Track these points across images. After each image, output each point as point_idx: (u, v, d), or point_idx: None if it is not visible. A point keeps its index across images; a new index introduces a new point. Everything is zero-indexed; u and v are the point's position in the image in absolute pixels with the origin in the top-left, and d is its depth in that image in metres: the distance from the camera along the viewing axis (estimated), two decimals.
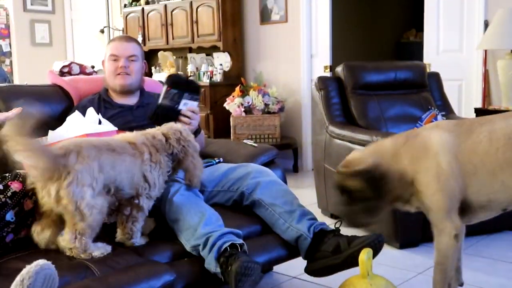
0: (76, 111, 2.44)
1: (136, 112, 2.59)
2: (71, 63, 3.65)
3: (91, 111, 2.40)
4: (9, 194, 1.85)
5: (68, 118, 2.37)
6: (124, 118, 2.53)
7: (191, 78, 5.50)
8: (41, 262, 1.55)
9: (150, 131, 2.10)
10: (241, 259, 1.91)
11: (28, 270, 1.52)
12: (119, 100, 2.63)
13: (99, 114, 2.42)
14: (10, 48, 7.81)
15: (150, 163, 1.99)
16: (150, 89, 2.81)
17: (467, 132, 1.95)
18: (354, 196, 2.00)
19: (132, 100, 2.65)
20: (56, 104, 2.72)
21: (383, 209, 2.05)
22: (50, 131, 2.28)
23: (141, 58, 2.69)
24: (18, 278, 1.52)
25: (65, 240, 1.84)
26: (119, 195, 1.93)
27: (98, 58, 7.06)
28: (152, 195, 2.02)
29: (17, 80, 7.57)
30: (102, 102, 2.61)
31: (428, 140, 1.95)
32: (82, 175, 1.77)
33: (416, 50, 5.56)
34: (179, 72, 6.24)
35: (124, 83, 2.60)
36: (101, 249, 1.88)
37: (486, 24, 4.28)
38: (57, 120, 2.57)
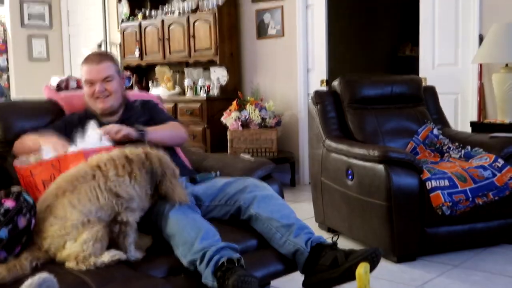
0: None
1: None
2: (68, 78, 3.64)
3: (92, 125, 2.40)
4: (1, 211, 1.84)
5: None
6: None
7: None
8: (43, 275, 1.55)
9: (130, 148, 2.11)
10: (238, 273, 1.90)
11: (31, 282, 1.52)
12: (102, 117, 2.62)
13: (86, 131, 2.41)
14: (8, 63, 7.84)
15: (116, 177, 1.98)
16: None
17: None
18: None
19: (116, 116, 2.65)
20: (48, 119, 2.73)
21: None
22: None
23: (117, 74, 2.64)
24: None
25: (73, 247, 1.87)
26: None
27: None
28: (134, 206, 2.01)
29: (14, 95, 7.58)
30: (85, 118, 2.59)
31: None
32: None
33: (411, 64, 5.58)
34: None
35: (104, 106, 2.60)
36: (111, 253, 1.92)
37: (481, 38, 4.31)
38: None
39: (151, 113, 2.74)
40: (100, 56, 2.65)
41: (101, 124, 2.49)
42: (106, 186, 1.96)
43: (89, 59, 2.63)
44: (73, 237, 1.89)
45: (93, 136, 2.33)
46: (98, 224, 1.93)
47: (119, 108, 2.66)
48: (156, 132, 2.53)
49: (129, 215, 2.00)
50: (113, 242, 2.00)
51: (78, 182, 1.97)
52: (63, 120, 2.66)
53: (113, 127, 2.39)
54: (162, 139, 2.54)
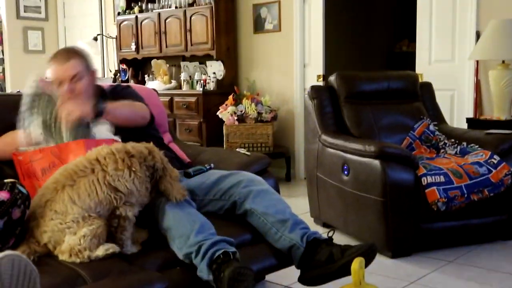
0: None
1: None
2: None
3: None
4: None
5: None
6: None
7: None
8: (6, 252, 1.54)
9: (133, 143, 2.10)
10: (234, 265, 1.90)
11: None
12: None
13: None
14: (3, 55, 7.79)
15: (115, 172, 1.97)
16: (146, 98, 2.78)
17: None
18: None
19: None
20: None
21: None
22: None
23: (86, 71, 2.49)
24: None
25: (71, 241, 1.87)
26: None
27: None
28: (133, 201, 2.01)
29: (9, 88, 7.55)
30: None
31: None
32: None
33: (408, 60, 5.59)
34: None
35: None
36: (105, 247, 1.92)
37: (478, 35, 4.32)
38: None
39: (121, 96, 2.61)
40: (67, 53, 2.49)
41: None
42: (105, 180, 1.96)
43: (56, 57, 2.48)
44: (73, 231, 1.89)
45: (99, 129, 2.32)
46: (98, 220, 1.94)
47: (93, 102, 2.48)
48: (115, 109, 2.38)
49: (128, 209, 2.00)
50: (110, 235, 2.00)
51: (77, 176, 1.96)
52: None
53: (63, 110, 2.24)
54: (121, 114, 2.41)
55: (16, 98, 2.42)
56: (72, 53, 2.49)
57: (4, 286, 1.48)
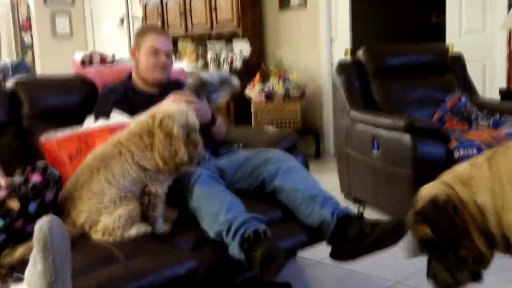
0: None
1: (160, 98, 2.57)
2: (92, 53, 3.66)
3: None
4: (30, 186, 1.87)
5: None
6: (151, 105, 2.53)
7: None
8: (44, 217, 1.57)
9: (137, 120, 2.12)
10: (265, 245, 1.91)
11: (40, 226, 1.54)
12: (144, 88, 2.64)
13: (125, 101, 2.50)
14: (32, 40, 7.90)
15: (139, 151, 2.01)
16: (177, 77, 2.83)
17: None
18: (433, 247, 1.62)
19: (155, 89, 2.66)
20: (80, 94, 2.74)
21: (474, 259, 1.61)
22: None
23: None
24: (35, 238, 1.53)
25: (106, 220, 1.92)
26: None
27: (118, 48, 7.09)
28: (160, 178, 2.04)
29: (39, 72, 7.66)
30: (128, 89, 2.63)
31: None
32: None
33: (438, 32, 5.46)
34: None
35: (161, 77, 2.62)
36: (138, 226, 1.96)
37: (510, 3, 4.19)
38: (81, 110, 2.61)
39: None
40: (164, 30, 2.75)
41: (141, 95, 2.57)
42: (133, 160, 2.00)
43: (155, 30, 2.71)
44: (110, 211, 1.93)
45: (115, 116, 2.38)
46: (134, 201, 1.98)
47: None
48: (218, 125, 2.62)
49: (158, 186, 2.03)
50: (142, 214, 2.03)
51: (108, 159, 2.00)
52: (108, 93, 2.61)
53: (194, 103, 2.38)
54: (217, 131, 2.61)
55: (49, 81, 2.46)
56: (166, 33, 2.76)
57: (54, 248, 1.52)
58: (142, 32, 2.69)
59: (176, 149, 1.99)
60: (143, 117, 2.12)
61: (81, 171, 2.04)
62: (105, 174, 1.97)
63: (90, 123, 2.43)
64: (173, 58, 2.77)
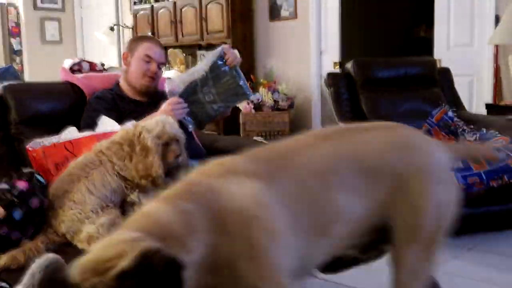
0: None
1: (149, 108, 2.58)
2: (81, 61, 3.65)
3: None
4: (16, 193, 1.86)
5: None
6: (139, 113, 2.53)
7: None
8: (50, 255, 1.56)
9: (127, 129, 2.11)
10: None
11: (38, 264, 1.53)
12: (132, 96, 2.65)
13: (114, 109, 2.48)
14: (21, 46, 7.86)
15: (119, 161, 2.01)
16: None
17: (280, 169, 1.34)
18: None
19: (143, 97, 2.66)
20: (68, 101, 2.73)
21: None
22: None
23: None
24: (29, 272, 1.52)
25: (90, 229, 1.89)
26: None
27: (107, 56, 7.07)
28: (142, 188, 2.03)
29: (27, 78, 7.61)
30: (116, 97, 2.63)
31: (232, 200, 1.20)
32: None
33: (426, 46, 5.52)
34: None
35: (149, 85, 2.63)
36: None
37: (497, 19, 4.25)
38: (69, 117, 2.60)
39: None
40: (160, 43, 2.75)
41: (128, 103, 2.57)
42: (114, 170, 2.01)
43: (152, 39, 2.76)
44: (92, 221, 1.92)
45: (105, 121, 2.36)
46: (115, 209, 1.97)
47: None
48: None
49: (141, 196, 2.02)
50: None
51: (90, 168, 2.00)
52: (97, 101, 2.61)
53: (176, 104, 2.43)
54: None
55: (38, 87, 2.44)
56: (162, 45, 2.75)
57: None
58: (139, 39, 2.72)
59: (152, 162, 1.99)
60: (128, 126, 2.12)
61: (62, 180, 2.02)
62: (86, 184, 1.96)
63: (70, 133, 2.39)
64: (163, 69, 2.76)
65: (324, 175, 1.36)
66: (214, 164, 1.33)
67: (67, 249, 1.89)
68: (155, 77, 2.62)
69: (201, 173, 1.31)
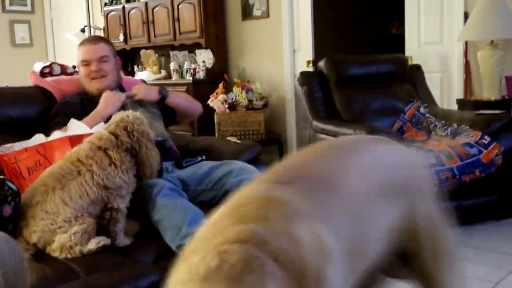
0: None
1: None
2: (52, 63, 3.59)
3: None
4: None
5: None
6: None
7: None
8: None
9: (97, 134, 2.08)
10: None
11: None
12: (99, 97, 2.62)
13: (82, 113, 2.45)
14: None
15: (101, 171, 1.96)
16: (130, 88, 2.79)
17: None
18: None
19: None
20: (39, 105, 2.70)
21: None
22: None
23: (112, 56, 2.69)
24: None
25: (62, 239, 1.86)
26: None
27: None
28: (123, 194, 2.01)
29: None
30: (85, 101, 2.60)
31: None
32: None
33: (398, 43, 5.58)
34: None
35: (100, 86, 2.61)
36: (96, 240, 1.91)
37: (466, 16, 4.31)
38: (40, 121, 2.57)
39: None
40: (95, 38, 2.77)
41: (98, 103, 2.54)
42: (94, 181, 1.95)
43: (86, 41, 2.72)
44: (64, 231, 1.88)
45: (77, 125, 2.34)
46: (89, 218, 1.93)
47: (115, 89, 2.65)
48: (175, 95, 2.78)
49: (120, 202, 2.00)
50: (102, 229, 1.99)
51: (66, 180, 1.94)
52: (64, 104, 2.61)
53: (140, 89, 2.62)
54: (181, 100, 2.79)
55: (7, 91, 2.41)
56: (100, 38, 2.81)
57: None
58: (78, 47, 2.70)
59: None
60: (104, 130, 2.09)
61: (35, 189, 1.96)
62: (61, 195, 1.91)
63: (39, 139, 2.36)
64: (118, 61, 2.75)
65: (367, 203, 1.28)
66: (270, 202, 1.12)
67: (41, 256, 1.87)
68: (99, 76, 2.62)
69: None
